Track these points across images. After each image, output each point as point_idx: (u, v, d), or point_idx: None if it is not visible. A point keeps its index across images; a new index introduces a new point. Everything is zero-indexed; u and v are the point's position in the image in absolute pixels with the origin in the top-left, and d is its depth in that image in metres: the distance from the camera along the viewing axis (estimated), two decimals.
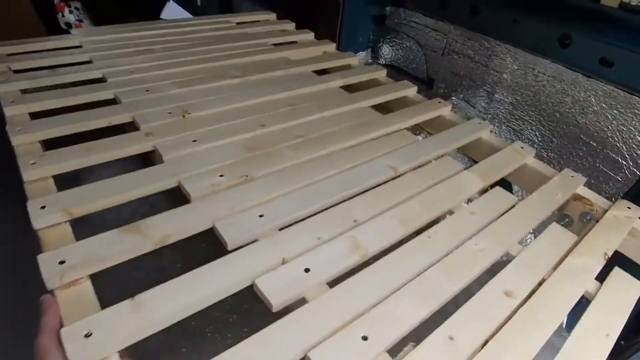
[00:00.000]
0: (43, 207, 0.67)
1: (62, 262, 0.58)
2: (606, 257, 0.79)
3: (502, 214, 0.85)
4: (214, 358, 0.48)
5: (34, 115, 0.95)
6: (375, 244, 0.71)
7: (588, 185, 1.18)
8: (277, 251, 0.66)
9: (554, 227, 0.85)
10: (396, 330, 0.56)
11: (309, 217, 0.74)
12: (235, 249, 0.66)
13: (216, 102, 1.07)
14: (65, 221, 0.68)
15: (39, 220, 0.66)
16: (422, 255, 0.70)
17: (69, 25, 2.35)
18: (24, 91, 1.05)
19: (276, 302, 0.58)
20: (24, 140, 0.85)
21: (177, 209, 0.72)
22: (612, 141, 1.11)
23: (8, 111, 0.94)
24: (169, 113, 1.00)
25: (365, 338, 0.54)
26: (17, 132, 0.86)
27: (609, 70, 1.03)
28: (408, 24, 1.52)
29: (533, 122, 1.27)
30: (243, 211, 0.73)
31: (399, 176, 0.91)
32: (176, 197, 0.78)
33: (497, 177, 0.97)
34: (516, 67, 1.24)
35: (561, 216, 0.99)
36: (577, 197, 0.97)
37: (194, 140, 0.90)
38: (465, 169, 0.96)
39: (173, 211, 0.71)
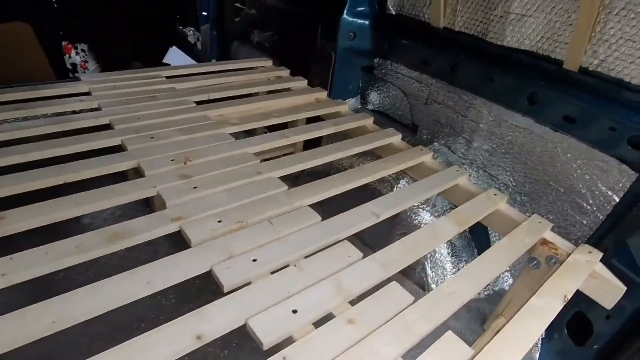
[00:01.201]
0: None
1: None
2: (566, 299, 0.87)
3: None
4: None
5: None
6: (357, 287, 0.78)
7: (557, 228, 1.28)
8: (268, 293, 0.73)
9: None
10: None
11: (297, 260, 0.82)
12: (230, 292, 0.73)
13: (215, 150, 1.16)
14: None
15: None
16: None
17: (74, 65, 2.47)
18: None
19: (266, 341, 0.65)
20: None
21: (177, 255, 0.79)
22: (578, 188, 1.21)
23: None
24: (172, 160, 1.08)
25: None
26: None
27: (572, 126, 1.14)
28: (394, 75, 1.65)
29: (507, 168, 1.37)
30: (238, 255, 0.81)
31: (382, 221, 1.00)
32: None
33: (472, 222, 1.06)
34: (491, 119, 1.36)
35: (530, 259, 1.08)
36: (544, 242, 1.06)
37: (195, 187, 0.99)
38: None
39: (174, 256, 0.79)
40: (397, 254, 0.89)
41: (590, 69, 1.11)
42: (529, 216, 1.12)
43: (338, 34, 1.59)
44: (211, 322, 0.67)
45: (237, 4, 2.32)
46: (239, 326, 0.68)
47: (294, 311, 0.71)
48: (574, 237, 1.26)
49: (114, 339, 0.62)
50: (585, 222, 1.24)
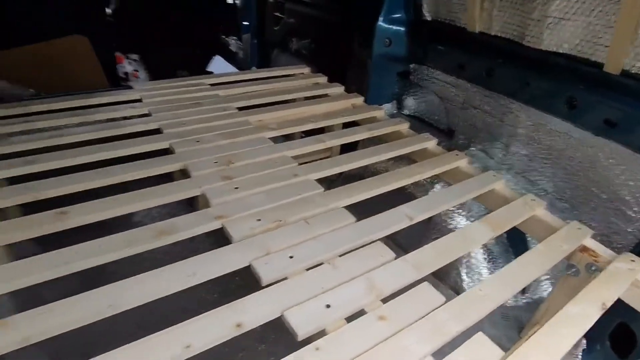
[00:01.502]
0: None
1: None
2: (604, 307, 0.86)
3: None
4: None
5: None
6: (389, 286, 0.81)
7: (600, 236, 1.24)
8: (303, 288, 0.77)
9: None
10: None
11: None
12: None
13: (255, 153, 1.22)
14: None
15: None
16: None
17: (126, 74, 2.65)
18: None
19: (301, 333, 0.68)
20: None
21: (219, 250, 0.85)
22: (621, 195, 1.18)
23: None
24: (215, 162, 1.15)
25: None
26: None
27: (613, 131, 1.11)
28: (430, 80, 1.66)
29: (547, 174, 1.35)
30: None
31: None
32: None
33: (507, 227, 1.06)
34: (530, 123, 1.34)
35: (568, 266, 1.06)
36: (584, 249, 1.03)
37: (236, 188, 1.05)
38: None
39: (216, 251, 0.84)
40: (429, 257, 0.91)
41: (633, 71, 1.08)
42: (568, 223, 1.10)
43: (373, 41, 1.62)
44: (250, 313, 0.72)
45: (277, 13, 2.41)
46: (275, 317, 0.73)
47: (328, 306, 0.74)
48: (618, 245, 1.22)
49: (157, 328, 0.68)
50: (629, 230, 1.19)
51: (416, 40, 1.65)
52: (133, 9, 2.67)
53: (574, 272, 1.05)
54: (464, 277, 1.38)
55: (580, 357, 1.22)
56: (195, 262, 0.82)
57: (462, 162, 1.32)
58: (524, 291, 1.38)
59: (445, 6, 1.52)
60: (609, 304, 0.87)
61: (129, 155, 1.18)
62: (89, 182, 1.03)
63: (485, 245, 1.37)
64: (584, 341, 1.22)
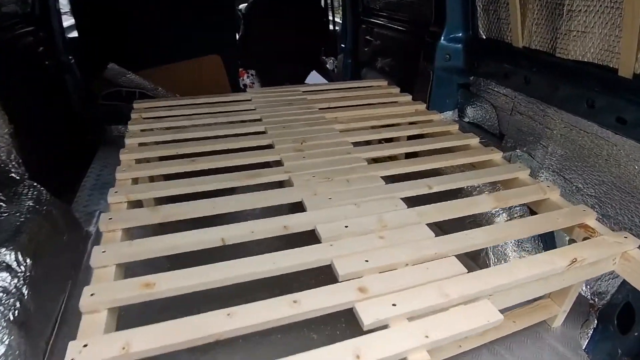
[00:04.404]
0: None
1: None
2: (574, 260, 1.04)
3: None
4: None
5: None
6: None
7: (624, 229, 1.35)
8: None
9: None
10: None
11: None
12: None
13: (324, 138, 1.63)
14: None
15: None
16: None
17: (245, 85, 3.32)
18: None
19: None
20: None
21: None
22: None
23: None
24: (293, 141, 1.58)
25: None
26: None
27: (624, 127, 1.27)
28: (485, 90, 1.90)
29: (579, 172, 1.50)
30: None
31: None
32: None
33: (512, 203, 1.28)
34: (563, 125, 1.52)
35: (569, 241, 1.24)
36: (582, 226, 1.21)
37: (304, 157, 1.46)
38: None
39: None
40: (433, 209, 1.19)
41: None
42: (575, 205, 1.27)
43: (435, 56, 1.93)
44: None
45: (368, 37, 2.83)
46: None
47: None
48: None
49: None
50: None
51: (473, 55, 1.92)
52: (253, 35, 3.35)
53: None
54: (492, 257, 1.58)
55: (590, 335, 1.35)
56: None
57: (496, 156, 1.56)
58: None
59: (496, 25, 1.77)
60: (579, 260, 1.05)
61: (238, 133, 1.68)
62: (209, 145, 1.54)
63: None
64: (595, 321, 1.34)
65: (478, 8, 1.80)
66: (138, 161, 1.46)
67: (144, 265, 1.00)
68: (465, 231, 1.11)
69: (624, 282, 1.24)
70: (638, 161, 1.30)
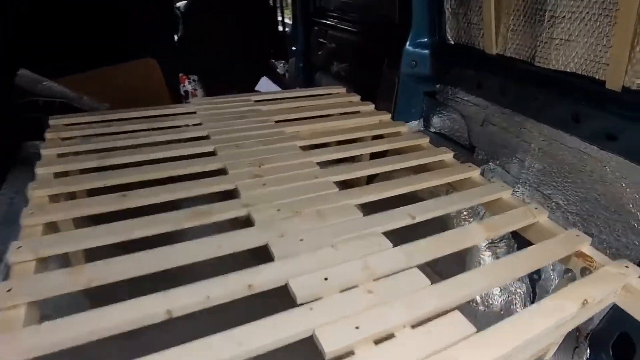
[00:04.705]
0: None
1: None
2: (585, 303, 0.92)
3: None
4: None
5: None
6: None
7: (609, 249, 1.28)
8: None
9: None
10: None
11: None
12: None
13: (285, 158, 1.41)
14: None
15: None
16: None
17: (186, 92, 3.01)
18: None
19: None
20: None
21: None
22: (629, 208, 1.22)
23: None
24: (249, 164, 1.35)
25: None
26: None
27: (614, 144, 1.18)
28: (453, 99, 1.78)
29: (559, 188, 1.41)
30: None
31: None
32: None
33: (503, 232, 1.15)
34: (542, 139, 1.42)
35: (565, 270, 1.12)
36: (579, 254, 1.10)
37: (264, 184, 1.23)
38: None
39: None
40: (423, 248, 1.03)
41: (633, 88, 1.14)
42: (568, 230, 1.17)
43: (401, 63, 1.78)
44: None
45: (321, 40, 2.64)
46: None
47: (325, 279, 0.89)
48: (629, 259, 1.25)
49: None
50: (638, 242, 1.23)
51: (440, 62, 1.79)
52: (194, 36, 3.04)
53: (570, 277, 1.11)
54: None
55: None
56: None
57: (474, 174, 1.42)
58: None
59: (466, 31, 1.65)
60: (590, 301, 0.93)
61: (181, 155, 1.42)
62: (145, 174, 1.27)
63: (495, 253, 1.44)
64: (588, 350, 1.25)
65: (446, 11, 1.67)
66: (53, 198, 1.16)
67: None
68: (462, 275, 0.95)
69: (615, 309, 1.16)
70: (625, 178, 1.22)
